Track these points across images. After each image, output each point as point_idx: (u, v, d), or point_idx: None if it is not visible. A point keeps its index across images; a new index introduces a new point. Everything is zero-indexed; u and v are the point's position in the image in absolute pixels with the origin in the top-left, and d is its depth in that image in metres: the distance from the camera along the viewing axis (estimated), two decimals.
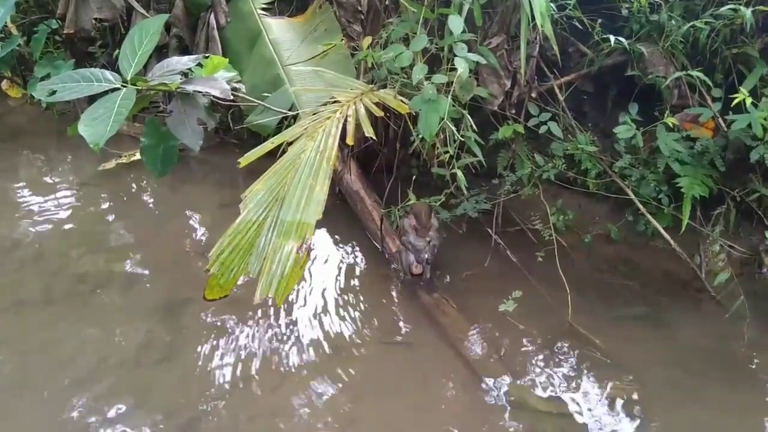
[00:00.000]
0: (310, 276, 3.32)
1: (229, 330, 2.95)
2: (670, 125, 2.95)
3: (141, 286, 3.31)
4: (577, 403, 2.62)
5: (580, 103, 3.62)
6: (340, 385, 2.66)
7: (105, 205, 4.09)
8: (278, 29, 4.57)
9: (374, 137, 2.43)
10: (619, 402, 2.61)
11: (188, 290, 3.15)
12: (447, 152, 2.79)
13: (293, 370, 2.76)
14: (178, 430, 2.42)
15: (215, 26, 4.68)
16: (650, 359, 2.85)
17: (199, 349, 2.85)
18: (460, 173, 2.87)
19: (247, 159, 2.35)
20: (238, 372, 2.72)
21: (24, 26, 5.02)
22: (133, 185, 4.34)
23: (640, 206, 3.15)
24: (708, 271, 3.04)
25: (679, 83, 3.14)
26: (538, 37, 2.97)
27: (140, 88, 3.04)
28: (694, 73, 2.92)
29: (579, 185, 3.46)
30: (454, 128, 2.58)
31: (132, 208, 4.11)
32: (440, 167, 3.00)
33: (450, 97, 2.55)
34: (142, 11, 4.61)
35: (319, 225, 3.73)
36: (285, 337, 2.92)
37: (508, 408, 2.57)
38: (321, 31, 4.37)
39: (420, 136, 2.54)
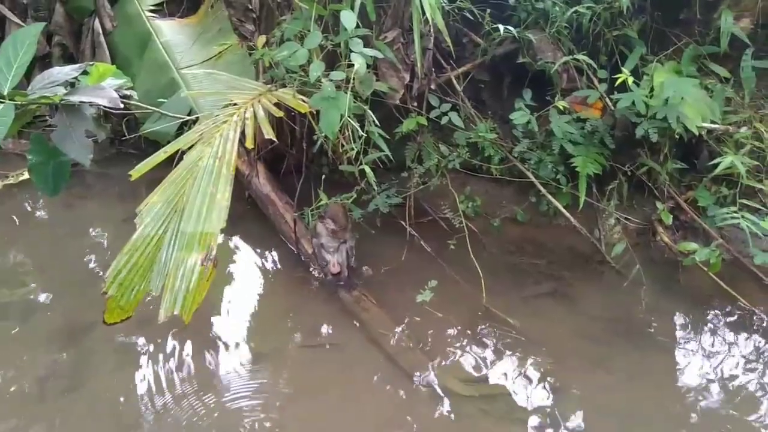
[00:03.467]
0: (226, 285, 3.23)
1: (140, 350, 2.82)
2: (561, 108, 3.08)
3: (40, 314, 3.11)
4: (499, 383, 2.70)
5: (478, 92, 3.71)
6: (265, 393, 2.60)
7: None
8: (169, 31, 4.40)
9: (275, 138, 2.39)
10: (535, 377, 2.72)
11: (93, 314, 2.94)
12: (352, 149, 2.78)
13: (213, 383, 2.68)
14: None
15: (101, 32, 4.45)
16: (560, 333, 2.98)
17: (108, 374, 2.71)
18: (368, 169, 2.88)
19: (138, 171, 2.24)
20: (153, 394, 2.61)
21: None
22: (25, 206, 4.06)
23: (541, 188, 3.28)
24: (606, 243, 3.21)
25: (567, 67, 3.28)
26: (431, 30, 3.01)
27: (19, 103, 2.84)
28: (580, 56, 3.06)
29: (484, 172, 3.56)
30: (356, 124, 2.57)
31: (25, 230, 3.84)
32: (348, 164, 2.99)
33: (350, 93, 2.53)
34: (17, 20, 4.31)
35: (231, 232, 3.72)
36: (202, 351, 2.82)
37: (434, 397, 2.60)
38: (215, 32, 4.25)
39: (323, 134, 2.51)
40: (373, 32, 2.95)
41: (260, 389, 2.62)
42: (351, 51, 2.58)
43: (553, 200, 3.28)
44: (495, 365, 2.79)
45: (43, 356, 2.80)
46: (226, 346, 2.84)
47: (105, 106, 2.92)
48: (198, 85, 3.98)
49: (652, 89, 2.98)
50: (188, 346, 2.82)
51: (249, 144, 2.29)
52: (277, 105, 2.61)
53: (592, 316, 3.09)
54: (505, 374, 2.75)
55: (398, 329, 2.95)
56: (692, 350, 2.88)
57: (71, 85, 2.99)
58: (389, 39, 2.96)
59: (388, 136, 2.97)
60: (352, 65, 2.57)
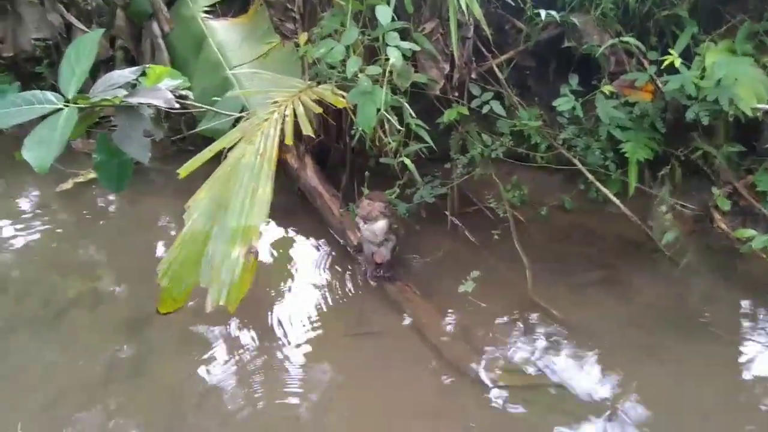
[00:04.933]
0: (275, 275, 3.35)
1: (197, 339, 2.96)
2: (608, 93, 3.00)
3: (106, 304, 3.31)
4: (544, 374, 2.68)
5: (523, 79, 3.66)
6: (310, 381, 2.69)
7: (65, 226, 4.07)
8: (222, 32, 4.54)
9: (313, 134, 2.45)
10: (582, 367, 2.68)
11: (154, 304, 3.16)
12: (391, 142, 2.82)
13: (262, 370, 2.79)
14: None
15: (159, 34, 4.65)
16: (609, 322, 2.92)
17: (168, 362, 2.87)
18: (408, 161, 2.91)
19: (186, 169, 2.36)
20: (208, 380, 2.75)
21: None
22: (93, 203, 4.32)
23: (589, 175, 3.21)
24: (658, 231, 3.10)
25: (614, 50, 3.18)
26: (470, 19, 2.99)
27: (82, 106, 3.03)
28: (626, 38, 2.96)
29: (531, 160, 3.51)
30: (394, 118, 2.60)
31: (93, 226, 4.09)
32: (389, 157, 3.03)
33: (387, 86, 2.57)
34: (82, 27, 4.56)
35: (281, 224, 3.84)
36: (252, 340, 2.95)
37: (479, 387, 2.61)
38: (264, 30, 4.36)
39: (359, 128, 2.56)
40: (412, 24, 2.96)
41: (305, 377, 2.71)
42: (387, 45, 2.60)
43: (601, 188, 3.21)
44: (540, 355, 2.77)
45: (109, 343, 2.99)
46: (274, 335, 2.95)
47: (160, 107, 3.09)
48: (248, 83, 4.10)
49: (704, 70, 2.85)
50: (239, 335, 2.95)
51: (288, 141, 2.36)
52: (318, 101, 2.67)
53: (643, 305, 3.01)
54: (551, 365, 2.73)
55: (442, 319, 2.97)
56: (749, 341, 2.76)
57: (132, 86, 3.17)
58: (428, 30, 2.96)
59: (428, 128, 2.98)
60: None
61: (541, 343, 2.84)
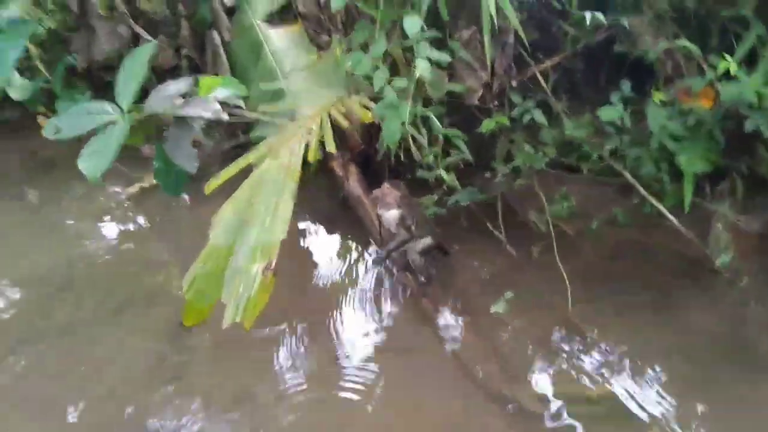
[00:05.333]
0: (312, 283, 3.37)
1: (233, 347, 3.03)
2: (658, 101, 2.78)
3: (158, 307, 3.46)
4: (574, 403, 2.54)
5: (574, 84, 3.47)
6: (338, 392, 2.69)
7: (128, 230, 4.30)
8: (277, 39, 4.60)
9: (334, 150, 2.44)
10: (619, 399, 2.52)
11: None
12: (429, 155, 2.75)
13: (294, 381, 2.82)
14: None
15: (219, 43, 4.78)
16: (654, 349, 2.73)
17: (205, 367, 2.96)
18: (444, 173, 2.83)
19: (212, 186, 2.41)
20: (241, 387, 2.81)
21: (49, 62, 5.30)
22: (155, 208, 4.52)
23: (639, 187, 3.01)
24: (716, 250, 2.85)
25: (671, 54, 2.95)
26: (510, 24, 2.86)
27: (135, 116, 3.17)
28: (680, 42, 2.74)
29: (582, 170, 3.32)
30: (422, 131, 2.54)
31: (153, 231, 4.29)
32: (426, 169, 2.97)
33: (411, 99, 2.51)
34: (148, 37, 4.76)
35: (325, 231, 3.86)
36: (284, 349, 2.98)
37: (505, 410, 2.53)
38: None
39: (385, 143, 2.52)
40: (447, 32, 2.88)
41: (333, 387, 2.71)
42: (416, 56, 2.54)
43: (654, 201, 2.99)
44: (572, 382, 2.63)
45: (153, 345, 3.13)
46: (305, 345, 2.96)
47: (209, 118, 3.19)
48: (298, 91, 4.14)
49: None
50: (270, 346, 2.98)
51: (311, 158, 2.36)
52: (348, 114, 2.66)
53: (694, 332, 2.79)
54: (583, 393, 2.58)
55: (474, 337, 2.88)
56: None
57: (187, 96, 3.28)
58: (465, 38, 2.86)
59: (463, 136, 2.89)
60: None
61: (575, 368, 2.69)
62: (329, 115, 2.59)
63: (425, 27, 2.62)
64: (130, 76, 3.37)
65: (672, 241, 3.18)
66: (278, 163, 2.42)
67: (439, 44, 2.86)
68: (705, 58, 2.88)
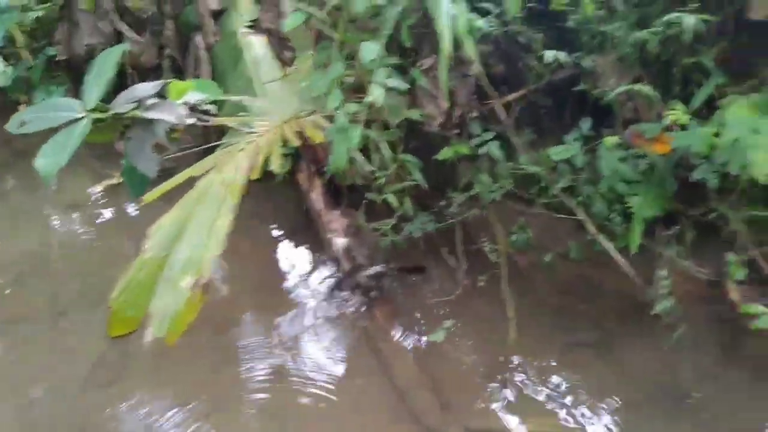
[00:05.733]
0: (260, 294, 3.38)
1: (173, 354, 3.02)
2: (610, 144, 2.79)
3: (104, 305, 3.46)
4: None
5: (539, 118, 3.48)
6: (269, 412, 2.69)
7: (91, 226, 4.30)
8: (259, 47, 4.62)
9: (279, 170, 2.44)
10: None
11: None
12: (381, 178, 2.76)
13: (229, 392, 2.82)
14: None
15: (203, 46, 4.80)
16: (591, 389, 2.74)
17: (144, 373, 2.96)
18: (391, 197, 2.84)
19: (151, 196, 2.41)
20: (175, 398, 2.80)
21: (35, 51, 5.31)
22: (122, 205, 4.52)
23: (590, 226, 3.02)
24: (657, 296, 2.86)
25: (632, 96, 2.96)
26: (474, 56, 2.87)
27: (100, 117, 3.16)
28: (638, 87, 2.75)
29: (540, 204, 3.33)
30: (362, 158, 2.55)
31: (115, 228, 4.29)
32: (378, 192, 2.98)
33: (361, 125, 2.52)
34: (132, 35, 4.78)
35: (284, 241, 3.87)
36: (221, 359, 2.98)
37: None
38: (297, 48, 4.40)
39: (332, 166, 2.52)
40: (411, 59, 2.89)
41: (265, 409, 2.71)
42: (370, 82, 2.55)
43: (603, 241, 3.00)
44: (506, 415, 2.63)
45: (95, 347, 3.13)
46: (244, 363, 2.95)
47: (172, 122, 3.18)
48: (273, 100, 4.16)
49: (720, 126, 2.60)
50: (205, 356, 2.97)
51: (254, 175, 2.36)
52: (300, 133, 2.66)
53: (632, 375, 2.80)
54: (515, 425, 2.59)
55: (413, 364, 2.89)
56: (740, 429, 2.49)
57: (162, 97, 3.27)
58: (426, 66, 2.88)
59: (420, 164, 2.91)
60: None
61: (511, 401, 2.69)
62: (281, 133, 2.58)
63: (385, 53, 2.63)
64: (98, 75, 3.37)
65: (621, 281, 3.17)
66: (222, 178, 2.42)
67: (401, 70, 2.87)
68: (664, 104, 2.89)
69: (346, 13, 2.62)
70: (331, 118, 2.74)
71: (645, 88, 2.75)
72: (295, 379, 2.85)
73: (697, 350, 2.80)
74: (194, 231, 2.33)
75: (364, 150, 2.82)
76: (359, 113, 2.58)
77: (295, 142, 2.57)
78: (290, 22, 2.64)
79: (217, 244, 2.30)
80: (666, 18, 2.66)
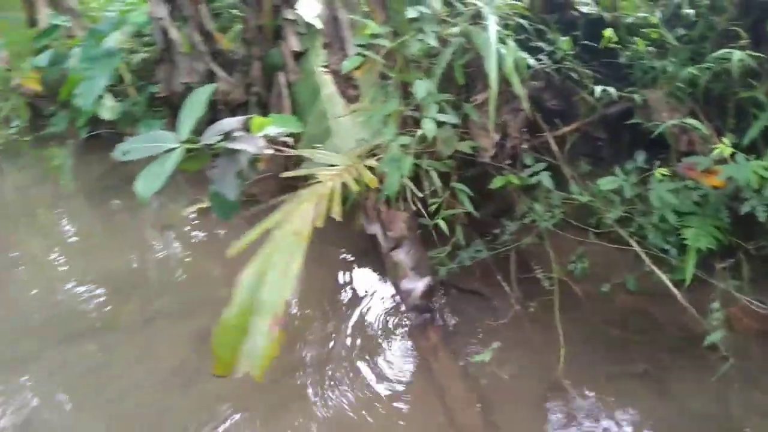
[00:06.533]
0: (327, 316, 3.62)
1: None
2: (660, 176, 2.84)
3: (188, 316, 3.85)
4: None
5: (597, 150, 3.56)
6: (326, 421, 2.90)
7: (182, 244, 4.77)
8: (332, 85, 4.98)
9: (340, 219, 2.69)
10: None
11: None
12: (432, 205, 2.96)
13: (291, 410, 3.05)
14: None
15: (284, 84, 5.23)
16: (640, 418, 2.74)
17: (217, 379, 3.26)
18: (442, 224, 3.02)
19: (235, 249, 2.70)
20: (240, 402, 3.08)
21: (140, 88, 5.99)
22: (212, 227, 4.97)
23: (645, 257, 3.04)
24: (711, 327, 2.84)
25: (686, 129, 3.00)
26: (525, 91, 3.03)
27: (191, 147, 3.58)
28: (689, 121, 2.80)
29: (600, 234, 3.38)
30: (413, 186, 2.75)
31: (202, 247, 4.73)
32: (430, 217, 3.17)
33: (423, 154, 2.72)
34: (223, 74, 5.29)
35: (350, 266, 4.12)
36: (283, 372, 3.23)
37: None
38: (368, 85, 4.71)
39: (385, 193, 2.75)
40: (462, 96, 3.09)
41: (321, 416, 2.92)
42: (423, 117, 2.77)
43: (657, 271, 3.02)
44: None
45: (179, 351, 3.49)
46: (307, 378, 3.17)
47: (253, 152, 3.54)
48: (344, 134, 4.47)
49: None
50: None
51: (318, 223, 2.63)
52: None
53: (681, 408, 2.78)
54: None
55: (462, 383, 3.01)
56: None
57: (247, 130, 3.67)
58: (479, 101, 3.06)
59: (469, 192, 3.08)
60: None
61: (555, 424, 2.76)
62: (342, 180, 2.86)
63: (437, 90, 2.85)
64: (191, 111, 3.79)
65: (677, 314, 3.16)
66: (291, 228, 2.70)
67: (455, 105, 3.08)
68: (720, 137, 2.91)
69: (401, 56, 2.86)
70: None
71: (695, 122, 2.79)
72: (349, 391, 3.04)
73: (752, 384, 2.74)
74: (271, 277, 2.60)
75: (418, 179, 3.03)
76: (411, 145, 2.79)
77: (356, 188, 2.82)
78: (348, 64, 2.92)
79: (289, 288, 2.57)
80: (715, 54, 2.70)
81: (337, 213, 2.70)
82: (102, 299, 4.07)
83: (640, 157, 3.11)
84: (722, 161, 2.81)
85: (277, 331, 2.54)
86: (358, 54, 2.93)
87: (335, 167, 2.97)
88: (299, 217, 2.75)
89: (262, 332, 2.54)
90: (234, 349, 2.58)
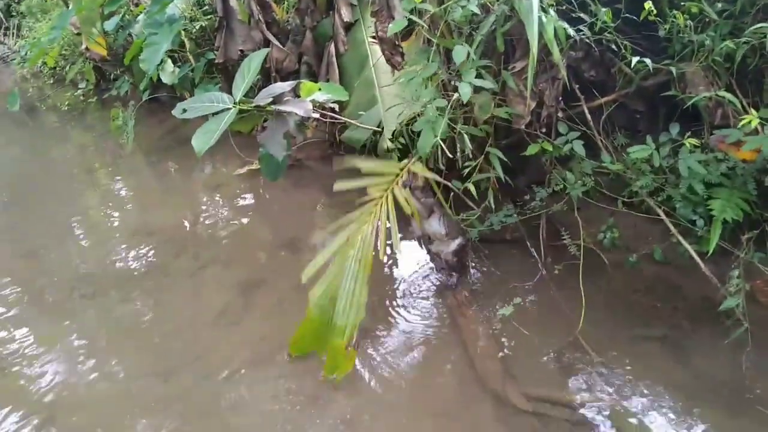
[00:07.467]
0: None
1: (287, 308, 3.57)
2: (690, 146, 2.91)
3: (234, 266, 4.13)
4: (559, 408, 2.78)
5: (634, 121, 3.62)
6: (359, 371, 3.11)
7: (231, 203, 5.06)
8: (380, 54, 5.14)
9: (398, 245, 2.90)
10: (601, 416, 2.71)
11: (265, 273, 3.92)
12: (464, 168, 3.11)
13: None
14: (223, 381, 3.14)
15: (334, 54, 5.42)
16: (652, 380, 2.86)
17: (258, 321, 3.54)
18: (472, 187, 3.17)
19: (306, 274, 2.90)
20: (282, 343, 3.32)
21: (198, 55, 6.29)
22: (259, 187, 5.25)
23: (671, 227, 3.12)
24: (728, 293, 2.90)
25: (721, 103, 3.05)
26: (564, 60, 3.13)
27: (244, 107, 3.82)
28: (722, 93, 2.86)
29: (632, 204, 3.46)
30: (445, 147, 2.91)
31: (250, 206, 5.01)
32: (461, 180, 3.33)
33: (446, 117, 2.88)
34: (277, 43, 5.52)
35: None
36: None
37: (495, 403, 2.83)
38: (414, 54, 4.86)
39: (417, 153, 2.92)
40: (498, 62, 3.22)
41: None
42: (460, 81, 2.92)
43: (683, 241, 3.09)
44: (564, 390, 2.85)
45: (224, 296, 3.78)
46: None
47: (300, 115, 3.77)
48: (390, 101, 4.64)
49: None
50: None
51: (381, 256, 2.90)
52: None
53: (695, 370, 2.88)
54: (571, 403, 2.80)
55: (486, 336, 3.18)
56: None
57: (297, 96, 3.89)
58: (518, 69, 3.18)
59: (503, 158, 3.22)
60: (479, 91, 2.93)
61: (571, 378, 2.90)
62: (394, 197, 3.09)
63: (477, 57, 2.99)
64: (245, 75, 4.03)
65: (702, 285, 3.22)
66: (353, 253, 2.93)
67: (494, 72, 3.21)
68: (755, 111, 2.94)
69: (444, 21, 3.01)
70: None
71: (729, 95, 2.84)
72: (383, 338, 3.26)
73: (754, 349, 2.81)
74: (341, 302, 2.87)
75: (454, 144, 3.19)
76: (448, 108, 2.94)
77: (409, 209, 3.02)
78: (393, 27, 3.08)
79: (359, 314, 2.85)
80: (752, 28, 2.74)
81: (396, 243, 3.03)
82: (154, 250, 4.41)
83: (675, 129, 3.16)
84: (753, 134, 2.86)
85: (351, 349, 2.90)
86: (404, 18, 3.08)
87: (383, 176, 3.15)
88: (360, 240, 2.97)
89: (340, 350, 2.89)
90: (311, 350, 3.09)
